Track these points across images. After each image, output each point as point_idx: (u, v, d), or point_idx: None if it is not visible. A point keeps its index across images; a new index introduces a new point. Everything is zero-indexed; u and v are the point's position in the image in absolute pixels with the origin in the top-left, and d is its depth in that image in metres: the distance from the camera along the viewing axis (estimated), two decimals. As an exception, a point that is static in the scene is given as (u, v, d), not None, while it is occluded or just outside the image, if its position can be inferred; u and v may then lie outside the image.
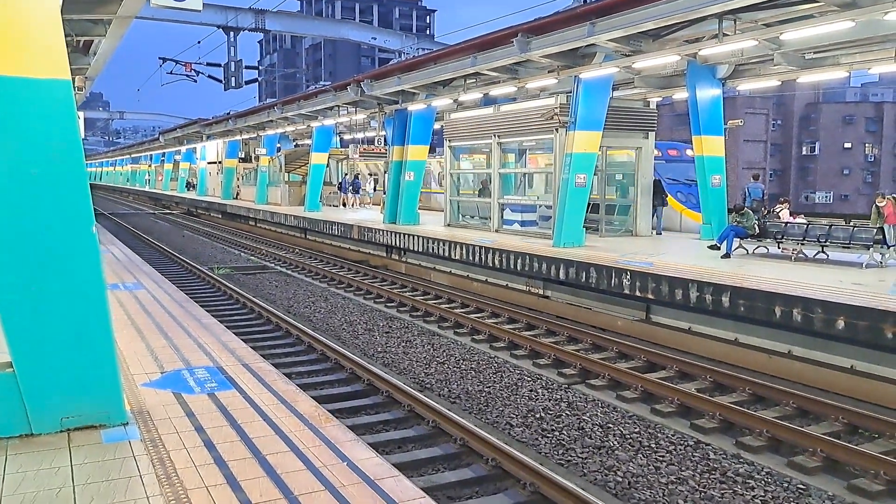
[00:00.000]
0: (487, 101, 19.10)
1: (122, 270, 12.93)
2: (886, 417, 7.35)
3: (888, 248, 11.84)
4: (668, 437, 7.25)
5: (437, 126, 23.01)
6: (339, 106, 24.65)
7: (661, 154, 20.04)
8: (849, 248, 12.05)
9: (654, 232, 17.58)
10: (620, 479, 6.32)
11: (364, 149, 32.29)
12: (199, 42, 26.25)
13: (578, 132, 14.94)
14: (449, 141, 20.50)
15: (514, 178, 20.03)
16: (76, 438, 4.61)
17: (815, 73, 14.41)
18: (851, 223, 14.04)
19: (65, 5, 10.46)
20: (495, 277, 15.62)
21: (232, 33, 23.78)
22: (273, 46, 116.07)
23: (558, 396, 8.53)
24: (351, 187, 31.16)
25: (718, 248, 13.52)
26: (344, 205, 31.12)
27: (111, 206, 52.06)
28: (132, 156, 74.40)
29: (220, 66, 25.65)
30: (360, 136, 34.04)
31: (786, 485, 6.17)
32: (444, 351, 10.66)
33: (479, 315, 12.95)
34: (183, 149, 50.30)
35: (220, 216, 37.65)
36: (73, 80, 17.58)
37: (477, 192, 21.23)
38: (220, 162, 42.82)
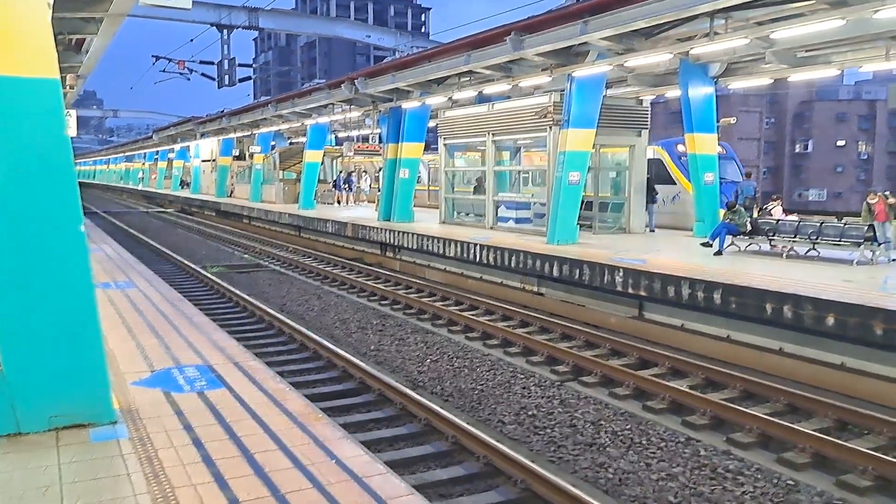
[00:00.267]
0: (482, 98, 19.11)
1: (114, 269, 12.90)
2: (876, 413, 7.38)
3: (878, 245, 11.90)
4: (659, 433, 7.27)
5: (431, 124, 23.01)
6: (333, 104, 24.65)
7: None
8: (840, 245, 12.10)
9: (647, 229, 17.62)
10: (611, 476, 6.34)
11: (359, 146, 32.23)
12: (191, 40, 26.16)
13: (572, 130, 14.98)
14: (443, 139, 20.51)
15: (508, 176, 20.06)
16: (64, 437, 4.61)
17: (806, 72, 14.46)
18: (843, 221, 14.09)
19: (56, 3, 10.43)
20: (490, 275, 15.64)
21: (225, 31, 23.66)
22: (268, 44, 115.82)
23: (551, 394, 8.54)
24: (345, 185, 31.14)
25: (711, 246, 13.57)
26: (339, 202, 31.10)
27: (105, 204, 51.91)
28: (126, 154, 74.12)
29: (213, 63, 25.55)
30: (354, 133, 34.01)
31: (775, 481, 6.19)
32: (437, 349, 10.66)
33: (473, 312, 12.96)
34: (177, 147, 50.15)
35: (214, 214, 37.58)
36: (66, 78, 17.53)
37: (472, 190, 21.28)
38: (214, 160, 42.72)
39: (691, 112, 15.78)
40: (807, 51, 13.82)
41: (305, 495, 3.86)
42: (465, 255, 15.98)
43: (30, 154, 4.56)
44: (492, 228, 18.42)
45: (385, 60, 30.26)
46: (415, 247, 18.20)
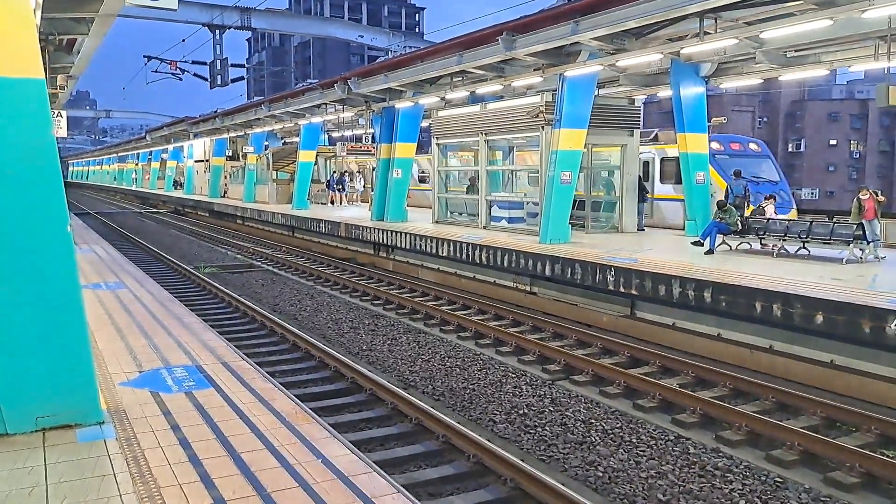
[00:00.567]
0: (474, 98, 19.13)
1: (105, 270, 12.86)
2: (863, 411, 7.43)
3: (867, 243, 11.96)
4: (649, 431, 7.30)
5: (424, 124, 23.01)
6: (326, 104, 24.63)
7: (722, 148, 18.99)
8: (829, 243, 12.16)
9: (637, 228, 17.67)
10: (601, 475, 6.35)
11: (352, 146, 32.25)
12: (183, 40, 26.13)
13: (564, 130, 15.00)
14: (437, 138, 20.52)
15: (501, 175, 20.08)
16: (51, 438, 4.60)
17: (796, 71, 14.55)
18: (834, 219, 14.14)
19: (46, 3, 10.41)
20: (483, 274, 15.65)
21: (217, 31, 23.67)
22: (262, 44, 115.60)
23: (542, 392, 8.56)
24: (338, 185, 31.14)
25: (702, 245, 13.60)
26: (332, 202, 31.08)
27: (98, 205, 51.73)
28: (119, 154, 73.93)
29: (205, 64, 25.54)
30: (348, 133, 34.00)
31: (763, 478, 6.23)
32: (429, 348, 10.67)
33: (465, 312, 12.97)
34: (170, 147, 50.03)
35: (207, 215, 37.50)
36: (56, 78, 17.46)
37: (465, 190, 21.29)
38: (207, 160, 42.63)
39: (682, 111, 15.83)
40: (796, 50, 13.90)
41: (291, 494, 3.86)
42: (458, 254, 15.99)
43: (14, 154, 4.55)
44: (485, 228, 18.44)
45: (378, 60, 30.24)
46: (408, 246, 18.20)
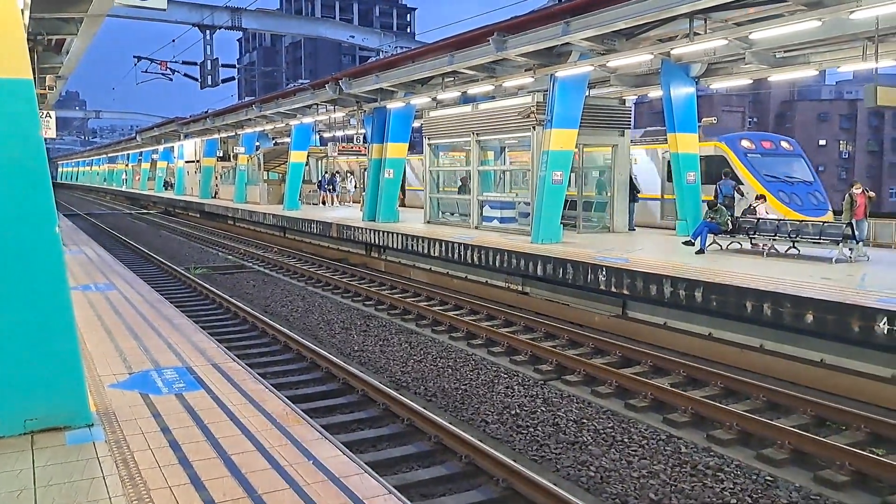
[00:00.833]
0: (466, 99, 19.14)
1: (95, 271, 12.78)
2: (853, 409, 7.46)
3: (857, 243, 12.03)
4: (640, 431, 7.31)
5: (416, 124, 23.01)
6: (317, 104, 24.58)
7: (754, 147, 18.12)
8: (819, 243, 12.23)
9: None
10: (593, 474, 6.36)
11: (343, 146, 32.21)
12: (173, 41, 26.01)
13: (555, 130, 15.03)
14: (428, 139, 20.52)
15: (493, 175, 20.09)
16: (40, 440, 4.56)
17: (785, 72, 14.63)
18: (824, 220, 14.22)
19: (35, 3, 10.34)
20: (475, 274, 15.65)
21: (208, 31, 23.58)
22: (253, 44, 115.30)
23: (534, 393, 8.56)
24: (329, 185, 31.10)
25: (693, 244, 13.65)
26: (323, 203, 31.04)
27: (87, 206, 51.44)
28: (109, 155, 73.55)
29: (196, 64, 25.43)
30: (339, 133, 33.93)
31: (754, 477, 6.25)
32: (421, 349, 10.66)
33: (457, 312, 12.96)
34: (160, 148, 49.83)
35: (198, 215, 37.35)
36: (45, 79, 17.34)
37: (457, 190, 21.29)
38: (197, 161, 42.47)
39: (673, 112, 15.89)
40: (785, 51, 13.97)
41: (282, 496, 3.85)
42: (449, 254, 15.99)
43: (2, 155, 4.51)
44: (476, 228, 18.44)
45: (369, 60, 30.22)
46: (399, 247, 18.18)
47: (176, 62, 26.50)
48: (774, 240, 12.91)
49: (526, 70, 15.45)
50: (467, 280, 15.76)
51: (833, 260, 11.85)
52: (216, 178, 40.43)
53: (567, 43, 13.69)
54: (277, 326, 11.13)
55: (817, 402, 7.70)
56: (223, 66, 26.11)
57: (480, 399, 8.39)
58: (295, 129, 28.13)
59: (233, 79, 34.10)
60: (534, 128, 15.90)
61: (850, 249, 12.00)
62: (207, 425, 4.89)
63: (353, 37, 29.46)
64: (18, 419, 4.65)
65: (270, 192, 32.11)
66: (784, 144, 18.88)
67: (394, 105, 20.57)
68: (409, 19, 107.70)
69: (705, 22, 11.77)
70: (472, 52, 15.62)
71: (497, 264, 14.49)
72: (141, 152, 57.33)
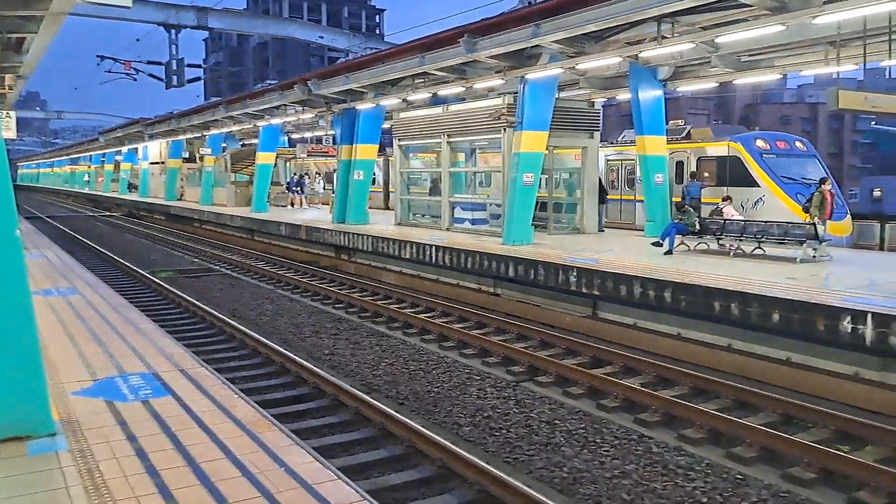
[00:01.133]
0: (436, 100, 19.11)
1: (57, 275, 12.46)
2: (819, 407, 7.59)
3: (820, 243, 12.28)
4: (612, 431, 7.34)
5: (386, 125, 22.93)
6: (285, 105, 24.34)
7: (769, 147, 17.37)
8: (784, 243, 12.45)
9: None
10: (566, 475, 6.36)
11: (312, 148, 31.98)
12: (137, 40, 25.56)
13: (525, 132, 15.08)
14: (398, 140, 20.45)
15: (464, 177, 20.10)
16: (0, 451, 4.41)
17: (750, 75, 14.91)
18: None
19: (-8, 0, 10.03)
20: (446, 276, 15.62)
21: (173, 31, 23.19)
22: (219, 44, 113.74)
23: (507, 394, 8.55)
24: (297, 187, 30.86)
25: (661, 245, 13.79)
26: (292, 205, 30.77)
27: (49, 208, 50.21)
28: (71, 157, 71.99)
29: (161, 64, 25.00)
30: (308, 135, 33.67)
31: (724, 476, 6.31)
32: (392, 352, 10.59)
33: (428, 315, 12.91)
34: (124, 149, 48.95)
35: (163, 218, 36.74)
36: (4, 78, 16.88)
37: (428, 191, 21.25)
38: (163, 162, 41.83)
39: (641, 114, 16.04)
40: (750, 55, 14.23)
41: (253, 504, 3.77)
42: (420, 256, 15.94)
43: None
44: (448, 230, 18.42)
45: (339, 61, 30.02)
46: (370, 249, 18.08)
47: (140, 62, 26.04)
48: (741, 240, 13.11)
49: (496, 72, 15.49)
50: (439, 282, 15.73)
51: (797, 260, 12.08)
52: (182, 179, 39.87)
53: (537, 45, 13.75)
54: (246, 330, 10.96)
55: (785, 401, 7.81)
56: (189, 66, 25.71)
57: (453, 401, 8.35)
58: (263, 130, 27.82)
59: (199, 79, 33.59)
60: (504, 130, 15.94)
61: (814, 250, 12.23)
62: (175, 433, 4.77)
63: (322, 37, 29.21)
64: (-24, 429, 4.49)
65: (238, 194, 31.73)
66: (798, 144, 18.05)
67: (363, 106, 20.46)
68: (378, 20, 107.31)
69: (673, 26, 11.91)
70: (442, 53, 15.60)
71: (468, 266, 14.48)
72: (104, 154, 56.26)
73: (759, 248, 12.82)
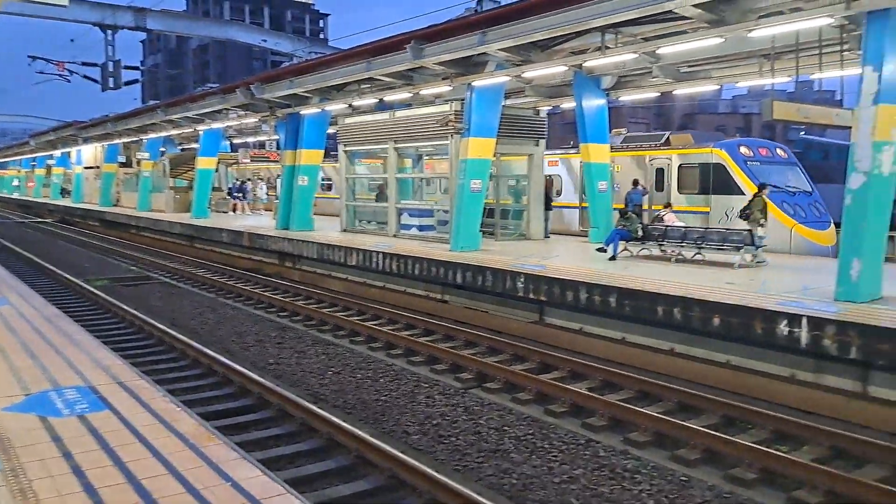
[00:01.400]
0: (383, 106, 19.02)
1: (-16, 284, 11.87)
2: (758, 409, 7.82)
3: (756, 248, 12.70)
4: (560, 437, 7.40)
5: (331, 130, 22.71)
6: (227, 109, 23.86)
7: (752, 154, 16.69)
8: (722, 249, 12.83)
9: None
10: (515, 482, 6.37)
11: (255, 153, 31.45)
12: (72, 40, 24.69)
13: (473, 139, 15.14)
14: (344, 145, 20.27)
15: (411, 183, 20.05)
16: (-80, 473, 4.14)
17: (689, 86, 15.36)
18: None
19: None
20: (394, 283, 15.53)
21: (109, 31, 22.48)
22: (157, 46, 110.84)
23: (455, 402, 8.53)
24: (239, 192, 30.29)
25: (605, 251, 14.04)
26: (234, 211, 30.17)
27: (-26, 214, 47.93)
28: (-1, 160, 68.94)
29: (96, 65, 24.22)
30: (251, 139, 33.08)
31: (669, 478, 6.42)
32: (339, 360, 10.45)
33: (376, 322, 12.80)
34: (57, 153, 47.19)
35: (98, 224, 35.49)
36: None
37: (374, 198, 21.12)
38: (98, 167, 40.50)
39: (585, 123, 16.30)
40: (689, 66, 14.65)
41: (198, 522, 3.63)
42: (367, 263, 15.81)
43: None
44: (395, 236, 18.33)
45: (283, 66, 29.63)
46: (315, 256, 17.84)
47: (75, 63, 25.15)
48: (681, 246, 13.45)
49: (443, 78, 15.52)
50: (386, 289, 15.62)
51: (736, 265, 12.45)
52: (118, 184, 38.71)
53: (484, 53, 13.84)
54: (186, 340, 10.64)
55: (725, 403, 8.02)
56: (126, 67, 24.99)
57: (401, 410, 8.29)
58: (203, 134, 27.20)
59: (136, 81, 32.68)
60: (452, 136, 15.98)
61: (752, 255, 12.64)
62: (114, 448, 4.57)
63: (265, 41, 28.80)
64: None
65: (177, 200, 30.93)
66: (779, 152, 17.56)
67: (308, 111, 20.22)
68: (322, 25, 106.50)
69: (616, 36, 12.16)
70: (389, 59, 15.56)
71: (416, 273, 14.43)
72: (35, 158, 54.10)
73: (700, 253, 13.17)
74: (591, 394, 8.49)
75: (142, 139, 32.92)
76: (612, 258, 13.67)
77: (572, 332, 11.43)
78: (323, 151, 22.03)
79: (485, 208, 16.22)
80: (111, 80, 22.90)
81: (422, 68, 15.51)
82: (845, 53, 10.74)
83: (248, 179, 32.69)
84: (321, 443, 6.94)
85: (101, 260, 22.37)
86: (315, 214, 22.11)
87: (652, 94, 16.72)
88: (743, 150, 16.70)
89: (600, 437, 7.42)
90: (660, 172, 17.88)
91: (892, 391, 7.91)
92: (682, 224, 14.68)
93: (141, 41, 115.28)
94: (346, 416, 7.97)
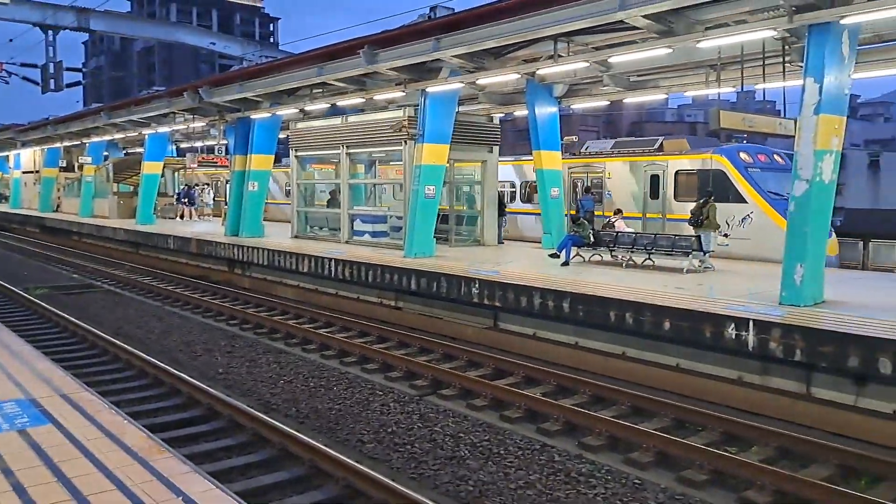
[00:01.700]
0: (335, 111, 18.86)
1: (-86, 293, 11.30)
2: (708, 411, 7.98)
3: (704, 254, 13.01)
4: (516, 442, 7.41)
5: (282, 135, 22.40)
6: (174, 112, 23.32)
7: (752, 160, 16.00)
8: (671, 255, 13.10)
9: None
10: (472, 489, 6.35)
11: (203, 158, 30.79)
12: (10, 40, 23.80)
13: (427, 145, 15.14)
14: (295, 151, 20.03)
15: (364, 189, 19.92)
16: None
17: (638, 95, 15.70)
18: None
19: None
20: (346, 290, 15.37)
21: (51, 32, 21.75)
22: (101, 48, 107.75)
23: (410, 409, 8.48)
24: (185, 198, 29.63)
25: (558, 256, 14.18)
26: (181, 217, 29.48)
27: None
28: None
29: (36, 66, 23.40)
30: (199, 144, 32.38)
31: (623, 481, 6.49)
32: (291, 369, 10.28)
33: (328, 330, 12.65)
34: (-7, 157, 45.43)
35: (37, 231, 34.24)
36: None
37: (326, 203, 20.90)
38: (37, 171, 39.15)
39: (538, 129, 16.48)
40: (639, 75, 14.97)
41: (148, 540, 3.50)
42: (319, 270, 15.62)
43: None
44: (347, 242, 18.17)
45: (232, 69, 29.12)
46: (265, 263, 17.55)
47: (14, 63, 24.25)
48: (632, 252, 13.68)
49: (397, 84, 15.47)
50: (338, 296, 15.45)
51: (684, 270, 12.73)
52: (59, 189, 37.46)
53: (438, 59, 13.86)
54: (132, 350, 10.32)
55: (676, 405, 8.17)
56: (68, 69, 24.23)
57: (356, 418, 8.19)
58: (149, 138, 26.52)
59: (79, 83, 31.67)
60: (406, 142, 15.94)
61: (700, 261, 12.94)
62: (58, 464, 4.38)
63: (213, 44, 28.27)
64: None
65: (121, 206, 30.07)
66: (777, 158, 16.78)
67: (258, 115, 19.91)
68: (272, 29, 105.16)
69: (568, 45, 12.32)
70: (342, 64, 15.44)
71: (369, 279, 14.32)
72: (-31, 161, 51.91)
73: (650, 259, 13.43)
74: (545, 399, 8.55)
75: (84, 143, 31.94)
76: (565, 264, 13.82)
77: (526, 337, 11.50)
78: (273, 157, 21.70)
79: (439, 214, 16.21)
80: (52, 81, 22.16)
81: (375, 74, 15.44)
82: (787, 65, 11.11)
83: (196, 185, 31.99)
84: (274, 453, 6.80)
85: (41, 267, 21.59)
86: (265, 220, 21.77)
87: (603, 103, 17.02)
88: (743, 156, 16.08)
89: (555, 442, 7.47)
90: (654, 179, 17.18)
91: (834, 392, 8.17)
92: (631, 230, 14.94)
93: (83, 42, 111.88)
94: (300, 426, 7.83)
